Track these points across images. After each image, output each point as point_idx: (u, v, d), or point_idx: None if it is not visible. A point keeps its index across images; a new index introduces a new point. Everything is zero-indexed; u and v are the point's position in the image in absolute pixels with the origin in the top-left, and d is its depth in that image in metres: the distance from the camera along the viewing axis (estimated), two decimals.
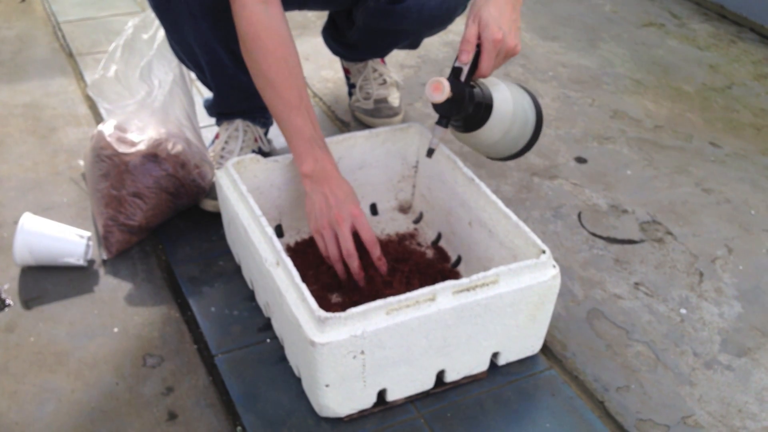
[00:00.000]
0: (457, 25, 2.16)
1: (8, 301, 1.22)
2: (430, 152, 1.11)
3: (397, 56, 1.91)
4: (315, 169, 1.15)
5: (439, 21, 1.40)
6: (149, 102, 1.38)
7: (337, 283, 1.17)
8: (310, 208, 1.15)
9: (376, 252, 1.14)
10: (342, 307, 1.10)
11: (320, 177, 1.15)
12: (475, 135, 1.11)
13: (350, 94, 1.72)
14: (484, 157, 1.27)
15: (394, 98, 1.68)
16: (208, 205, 1.39)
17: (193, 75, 1.48)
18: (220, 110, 1.49)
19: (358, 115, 1.70)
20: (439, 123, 1.08)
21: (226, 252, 1.31)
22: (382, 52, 1.65)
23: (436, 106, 1.05)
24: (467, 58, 1.04)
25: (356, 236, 1.13)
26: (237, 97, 1.44)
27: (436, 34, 1.52)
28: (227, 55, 1.33)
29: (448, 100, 1.02)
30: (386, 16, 1.37)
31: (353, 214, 1.12)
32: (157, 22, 1.47)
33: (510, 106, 1.10)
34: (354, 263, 1.12)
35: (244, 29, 1.15)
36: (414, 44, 1.61)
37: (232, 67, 1.36)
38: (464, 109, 1.06)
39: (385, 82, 1.67)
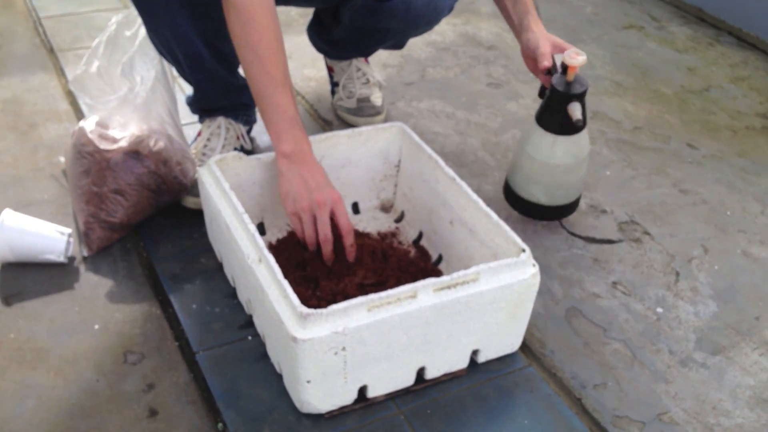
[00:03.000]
0: (441, 26, 2.17)
1: None
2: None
3: (379, 56, 1.92)
4: (294, 149, 1.15)
5: (426, 21, 1.41)
6: (131, 98, 1.37)
7: (305, 259, 1.19)
8: (287, 189, 1.14)
9: (349, 239, 1.15)
10: (322, 302, 1.11)
11: (298, 158, 1.15)
12: (561, 142, 1.32)
13: (333, 92, 1.72)
14: (540, 199, 1.39)
15: (377, 97, 1.68)
16: (189, 202, 1.39)
17: (175, 71, 1.48)
18: (201, 106, 1.49)
19: (341, 113, 1.70)
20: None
21: (208, 249, 1.31)
22: (367, 51, 1.66)
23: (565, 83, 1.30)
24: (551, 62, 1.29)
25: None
26: (216, 92, 1.44)
27: (422, 34, 1.53)
28: (206, 48, 1.33)
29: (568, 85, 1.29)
30: (373, 14, 1.37)
31: (334, 198, 1.13)
32: (140, 19, 1.46)
33: (588, 144, 1.36)
34: (328, 247, 1.14)
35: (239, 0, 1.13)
36: (399, 44, 1.62)
37: (211, 61, 1.35)
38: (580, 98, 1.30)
39: (368, 81, 1.68)
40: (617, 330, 1.23)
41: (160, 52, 1.40)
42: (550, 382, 1.13)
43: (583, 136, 1.35)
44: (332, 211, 1.13)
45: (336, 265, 1.17)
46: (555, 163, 1.35)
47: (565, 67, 1.30)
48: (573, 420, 1.07)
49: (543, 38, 1.30)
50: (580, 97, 1.30)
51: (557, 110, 1.31)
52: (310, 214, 1.13)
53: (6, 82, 1.81)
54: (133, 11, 1.46)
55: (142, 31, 1.44)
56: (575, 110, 1.29)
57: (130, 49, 1.41)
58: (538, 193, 1.38)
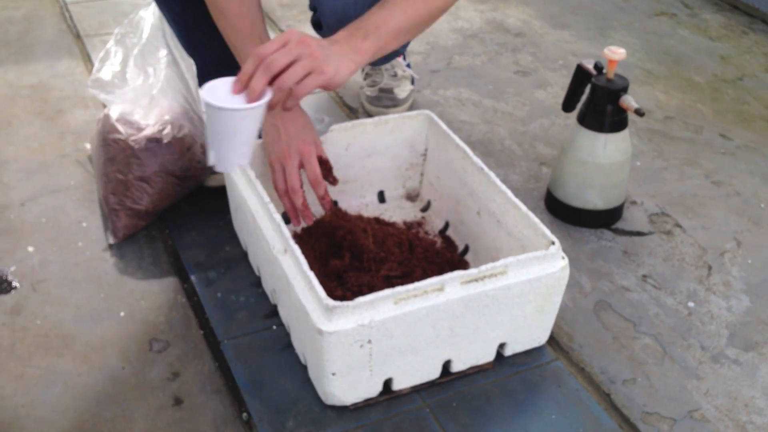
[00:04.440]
0: (468, 12, 2.14)
1: (15, 284, 1.22)
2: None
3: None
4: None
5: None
6: (147, 88, 1.38)
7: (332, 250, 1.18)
8: (264, 141, 1.16)
9: (319, 191, 1.15)
10: (348, 293, 1.10)
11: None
12: (612, 140, 1.32)
13: (364, 78, 1.70)
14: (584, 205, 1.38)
15: (402, 90, 1.66)
16: (212, 180, 1.38)
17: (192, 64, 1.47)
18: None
19: (362, 101, 1.68)
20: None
21: (233, 237, 1.31)
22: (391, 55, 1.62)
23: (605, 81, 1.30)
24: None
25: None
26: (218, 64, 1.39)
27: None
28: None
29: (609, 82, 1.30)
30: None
31: (302, 151, 1.13)
32: (142, 22, 1.49)
33: (630, 148, 1.37)
34: (298, 200, 1.14)
35: None
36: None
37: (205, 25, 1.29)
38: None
39: (396, 75, 1.66)
40: (647, 324, 1.21)
41: (167, 19, 1.40)
42: (578, 376, 1.12)
43: (626, 130, 1.34)
44: (302, 160, 1.13)
45: (362, 255, 1.15)
46: (610, 162, 1.34)
47: (600, 68, 1.33)
48: (601, 416, 1.05)
49: (283, 32, 1.04)
50: (626, 91, 1.31)
51: (603, 109, 1.31)
52: (279, 165, 1.13)
53: (33, 67, 1.82)
54: (134, 18, 1.51)
55: (146, 30, 1.48)
56: (630, 101, 1.29)
57: (139, 44, 1.44)
58: (594, 198, 1.36)
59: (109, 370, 1.09)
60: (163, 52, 1.42)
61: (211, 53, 1.37)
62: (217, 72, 1.39)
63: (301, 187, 1.16)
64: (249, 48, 1.10)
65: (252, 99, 0.92)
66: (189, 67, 1.45)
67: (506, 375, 1.10)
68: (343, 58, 1.00)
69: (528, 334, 1.11)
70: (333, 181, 1.21)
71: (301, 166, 1.15)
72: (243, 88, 0.94)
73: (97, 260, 1.27)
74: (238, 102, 0.93)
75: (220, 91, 0.94)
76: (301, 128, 1.13)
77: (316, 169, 1.14)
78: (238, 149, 0.97)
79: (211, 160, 0.98)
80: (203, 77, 1.43)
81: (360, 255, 1.15)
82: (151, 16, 1.49)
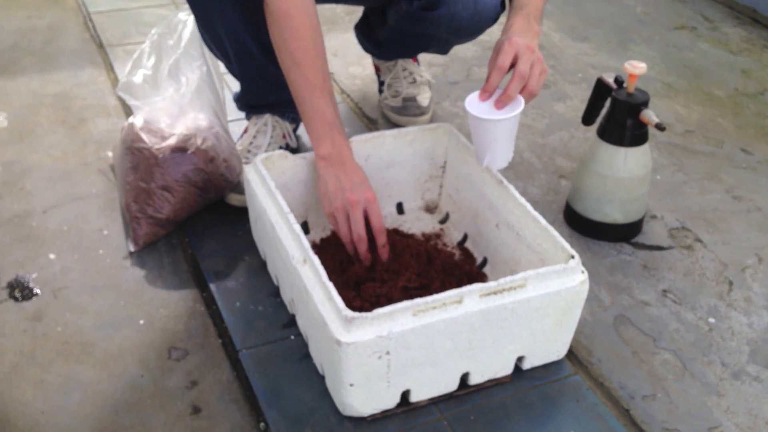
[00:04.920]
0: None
1: (36, 291, 1.23)
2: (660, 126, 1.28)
3: (425, 55, 1.90)
4: (332, 152, 1.15)
5: (469, 32, 1.39)
6: (177, 99, 1.39)
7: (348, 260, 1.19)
8: (324, 190, 1.16)
9: (381, 239, 1.15)
10: (366, 304, 1.10)
11: (336, 161, 1.15)
12: (632, 154, 1.31)
13: (380, 91, 1.71)
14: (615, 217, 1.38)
15: (424, 98, 1.67)
16: (233, 199, 1.39)
17: (222, 69, 1.49)
18: (248, 102, 1.49)
19: (386, 112, 1.69)
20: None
21: (252, 247, 1.31)
22: (409, 54, 1.65)
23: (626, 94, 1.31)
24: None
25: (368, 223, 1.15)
26: (264, 87, 1.44)
27: (466, 43, 1.51)
28: (255, 44, 1.34)
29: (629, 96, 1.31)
30: (417, 22, 1.36)
31: (367, 198, 1.13)
32: (180, 25, 1.49)
33: (650, 163, 1.37)
34: (362, 247, 1.14)
35: (276, 6, 1.15)
36: (443, 50, 1.60)
37: (260, 56, 1.36)
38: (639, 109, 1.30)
39: (415, 81, 1.66)
40: (667, 340, 1.20)
41: (210, 48, 1.41)
42: (597, 391, 1.11)
43: (647, 144, 1.34)
44: (365, 210, 1.13)
45: (380, 267, 1.16)
46: (630, 176, 1.33)
47: (620, 81, 1.33)
48: (620, 431, 1.05)
49: (510, 43, 1.14)
50: (646, 105, 1.30)
51: (623, 123, 1.31)
52: (344, 214, 1.13)
53: (56, 76, 1.84)
54: (173, 19, 1.49)
55: (186, 35, 1.47)
56: (651, 116, 1.28)
57: (176, 52, 1.44)
58: (613, 212, 1.36)
59: (128, 378, 1.09)
60: (198, 62, 1.43)
61: (263, 82, 1.42)
62: (260, 91, 1.43)
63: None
64: (319, 101, 1.15)
65: (503, 106, 1.12)
66: (221, 77, 1.47)
67: (524, 389, 1.10)
68: (537, 47, 1.15)
69: (547, 347, 1.11)
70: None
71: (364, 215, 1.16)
72: (489, 96, 1.13)
73: (117, 268, 1.28)
74: (495, 111, 1.12)
75: (474, 105, 1.13)
76: (363, 179, 1.16)
77: (381, 218, 1.15)
78: (509, 147, 1.17)
79: (486, 162, 1.17)
80: (247, 96, 1.47)
81: (373, 265, 1.16)
82: (190, 22, 1.48)
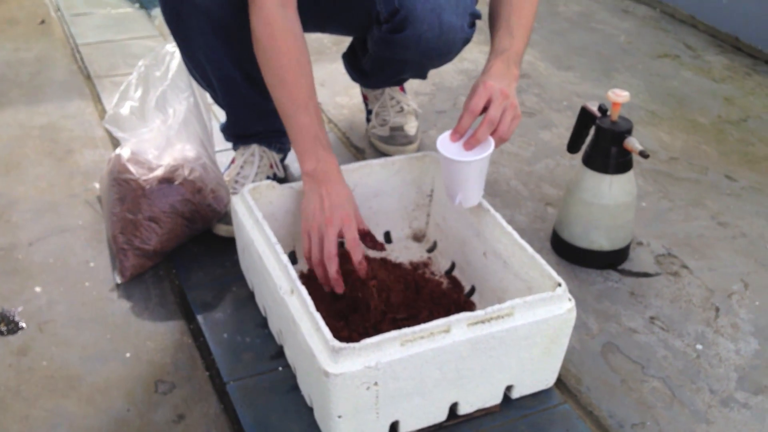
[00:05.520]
0: (473, 54, 2.17)
1: (22, 324, 1.22)
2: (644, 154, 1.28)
3: (412, 84, 1.92)
4: (317, 168, 1.16)
5: (438, 53, 1.39)
6: (164, 130, 1.39)
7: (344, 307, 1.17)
8: (305, 207, 1.15)
9: (357, 256, 1.13)
10: (354, 334, 1.10)
11: (321, 177, 1.15)
12: (617, 181, 1.33)
13: (368, 120, 1.73)
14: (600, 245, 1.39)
15: (411, 127, 1.68)
16: (220, 230, 1.39)
17: (209, 99, 1.49)
18: (235, 132, 1.50)
19: (374, 141, 1.70)
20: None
21: (239, 278, 1.31)
22: (391, 81, 1.66)
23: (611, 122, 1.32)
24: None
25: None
26: (250, 116, 1.45)
27: (442, 65, 1.52)
28: (239, 72, 1.35)
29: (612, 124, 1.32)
30: (388, 45, 1.37)
31: (343, 219, 1.13)
32: (168, 57, 1.50)
33: (635, 190, 1.38)
34: (332, 267, 1.11)
35: (261, 29, 1.16)
36: (420, 74, 1.61)
37: (244, 85, 1.37)
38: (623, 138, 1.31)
39: (402, 110, 1.68)
40: (655, 367, 1.20)
41: (194, 78, 1.42)
42: (587, 420, 1.10)
43: (631, 171, 1.35)
44: (341, 230, 1.13)
45: (368, 305, 1.15)
46: (615, 203, 1.34)
47: (604, 110, 1.35)
48: None
49: (484, 87, 1.16)
50: (630, 132, 1.31)
51: (607, 150, 1.32)
52: (318, 234, 1.13)
53: (43, 108, 1.84)
54: (161, 51, 1.50)
55: (173, 67, 1.47)
56: (635, 143, 1.30)
57: (163, 83, 1.44)
58: (599, 239, 1.37)
59: (114, 412, 1.08)
60: (185, 94, 1.44)
61: (248, 111, 1.42)
62: (246, 120, 1.44)
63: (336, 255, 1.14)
64: (303, 117, 1.16)
65: (471, 148, 1.14)
66: (208, 107, 1.48)
67: (514, 418, 1.09)
68: (514, 92, 1.17)
69: (535, 376, 1.11)
70: (381, 247, 1.20)
71: (340, 236, 1.14)
72: (460, 138, 1.15)
73: (104, 300, 1.27)
74: (466, 153, 1.14)
75: (445, 146, 1.15)
76: (345, 200, 1.15)
77: (356, 235, 1.14)
78: (480, 186, 1.19)
79: (458, 200, 1.19)
80: (233, 126, 1.47)
81: (367, 305, 1.15)
82: (178, 53, 1.48)
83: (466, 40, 1.37)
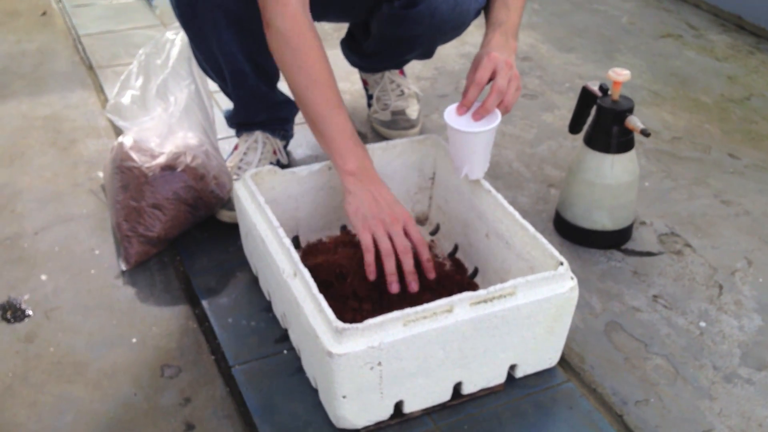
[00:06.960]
0: (475, 37, 2.16)
1: (28, 312, 1.23)
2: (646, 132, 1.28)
3: (413, 68, 1.92)
4: (359, 167, 1.15)
5: (452, 26, 1.39)
6: (166, 117, 1.39)
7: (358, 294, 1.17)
8: (357, 206, 1.13)
9: (425, 253, 1.14)
10: (357, 315, 1.10)
11: (364, 176, 1.15)
12: (619, 160, 1.32)
13: (369, 105, 1.73)
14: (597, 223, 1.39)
15: (412, 110, 1.68)
16: (224, 216, 1.40)
17: (212, 87, 1.50)
18: (240, 120, 1.50)
19: (375, 126, 1.70)
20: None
21: (243, 263, 1.31)
22: (397, 62, 1.65)
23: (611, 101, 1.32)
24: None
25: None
26: (257, 107, 1.46)
27: (450, 41, 1.52)
28: (249, 65, 1.35)
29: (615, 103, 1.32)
30: (400, 22, 1.37)
31: (405, 215, 1.14)
32: (168, 45, 1.50)
33: (638, 169, 1.37)
34: (409, 261, 1.11)
35: (289, 26, 1.14)
36: (428, 53, 1.60)
37: (254, 76, 1.37)
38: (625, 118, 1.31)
39: (403, 93, 1.68)
40: (659, 345, 1.20)
41: (204, 69, 1.42)
42: (590, 398, 1.11)
43: (633, 151, 1.35)
44: (405, 227, 1.13)
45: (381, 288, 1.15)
46: (617, 183, 1.34)
47: (605, 89, 1.35)
48: None
49: (489, 58, 1.17)
50: (631, 111, 1.31)
51: (609, 130, 1.32)
52: (384, 230, 1.11)
53: (46, 98, 1.85)
54: (161, 39, 1.50)
55: (173, 54, 1.48)
56: (636, 122, 1.30)
57: (164, 72, 1.44)
58: (602, 219, 1.37)
59: (121, 397, 1.09)
60: (186, 81, 1.44)
61: (255, 101, 1.43)
62: (253, 110, 1.44)
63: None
64: (339, 117, 1.16)
65: (481, 118, 1.15)
66: (210, 94, 1.48)
67: (518, 397, 1.10)
68: (514, 63, 1.18)
69: (539, 355, 1.11)
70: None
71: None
72: (467, 110, 1.16)
73: (109, 287, 1.28)
74: (474, 124, 1.15)
75: (453, 118, 1.16)
76: (395, 198, 1.15)
77: (419, 232, 1.14)
78: (486, 158, 1.20)
79: (464, 172, 1.20)
80: (239, 115, 1.48)
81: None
82: (179, 41, 1.49)
83: (479, 11, 1.37)
